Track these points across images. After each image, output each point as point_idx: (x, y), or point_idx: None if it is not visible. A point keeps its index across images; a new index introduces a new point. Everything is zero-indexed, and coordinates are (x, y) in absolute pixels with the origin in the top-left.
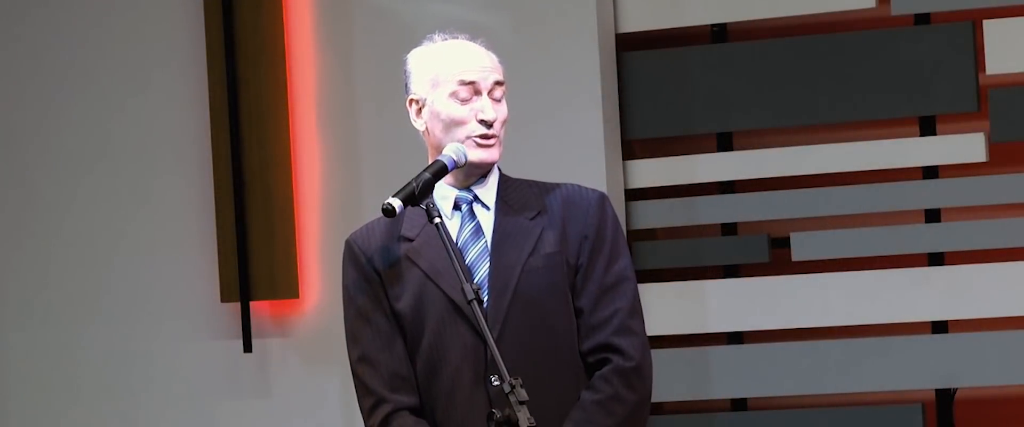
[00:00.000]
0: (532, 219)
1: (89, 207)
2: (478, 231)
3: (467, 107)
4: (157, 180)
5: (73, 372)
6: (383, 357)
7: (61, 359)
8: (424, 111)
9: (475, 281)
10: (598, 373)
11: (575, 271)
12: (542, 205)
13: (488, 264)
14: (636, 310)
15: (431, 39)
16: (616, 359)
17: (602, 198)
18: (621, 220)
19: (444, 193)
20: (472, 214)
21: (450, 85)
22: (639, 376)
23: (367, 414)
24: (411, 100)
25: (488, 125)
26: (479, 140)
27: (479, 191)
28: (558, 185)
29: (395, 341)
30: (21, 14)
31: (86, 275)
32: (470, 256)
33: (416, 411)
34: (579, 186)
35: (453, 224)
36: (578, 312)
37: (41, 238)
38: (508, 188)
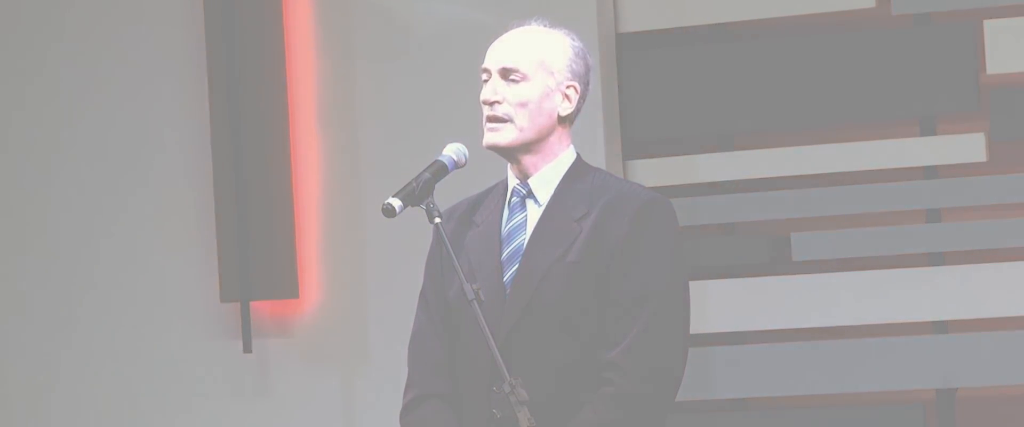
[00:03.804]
0: (577, 221)
1: (89, 207)
2: (522, 227)
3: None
4: (157, 180)
5: (73, 372)
6: (430, 342)
7: (60, 359)
8: None
9: (505, 278)
10: (594, 396)
11: (605, 280)
12: (590, 206)
13: (518, 263)
14: (655, 330)
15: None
16: (614, 382)
17: (646, 206)
18: None
19: (507, 180)
20: (523, 206)
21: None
22: (634, 401)
23: (404, 394)
24: None
25: (488, 105)
26: (487, 124)
27: (536, 184)
28: (618, 184)
29: (442, 327)
30: (21, 15)
31: (86, 275)
32: (507, 251)
33: (445, 398)
34: (634, 188)
35: (506, 215)
36: (602, 324)
37: (41, 238)
38: (571, 182)
